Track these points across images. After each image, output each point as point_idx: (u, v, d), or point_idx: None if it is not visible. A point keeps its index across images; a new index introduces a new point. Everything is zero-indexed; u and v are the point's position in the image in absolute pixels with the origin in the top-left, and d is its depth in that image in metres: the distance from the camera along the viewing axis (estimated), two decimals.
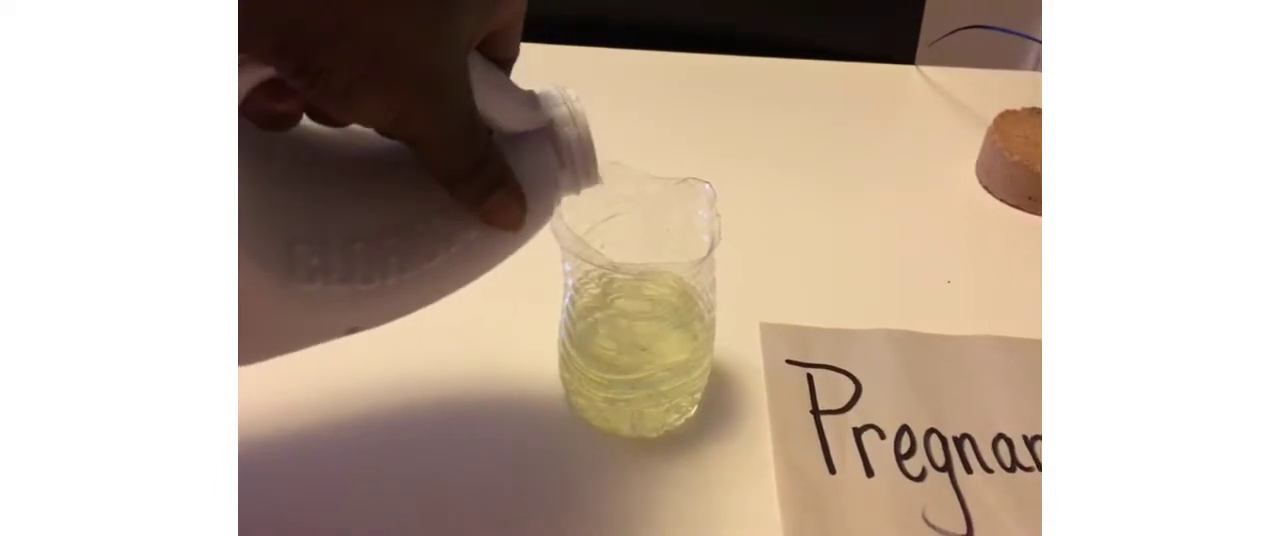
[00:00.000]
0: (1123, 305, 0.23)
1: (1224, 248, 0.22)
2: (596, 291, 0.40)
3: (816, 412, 0.45)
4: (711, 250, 0.39)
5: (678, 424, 0.44)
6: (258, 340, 0.30)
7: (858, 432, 0.44)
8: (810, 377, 0.47)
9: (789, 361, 0.48)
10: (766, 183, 0.64)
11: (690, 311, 0.40)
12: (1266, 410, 0.21)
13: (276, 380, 0.41)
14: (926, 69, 0.82)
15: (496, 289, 0.53)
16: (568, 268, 0.40)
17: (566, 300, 0.41)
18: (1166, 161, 0.23)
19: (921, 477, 0.41)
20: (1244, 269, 0.22)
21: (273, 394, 0.44)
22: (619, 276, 0.39)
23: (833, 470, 0.42)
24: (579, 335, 0.41)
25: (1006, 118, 0.67)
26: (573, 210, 0.39)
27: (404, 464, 0.42)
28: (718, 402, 0.45)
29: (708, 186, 0.40)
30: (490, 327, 0.49)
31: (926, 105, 0.77)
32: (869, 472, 0.42)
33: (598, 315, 0.40)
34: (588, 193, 0.40)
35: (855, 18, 0.84)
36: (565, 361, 0.43)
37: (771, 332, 0.49)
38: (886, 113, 0.78)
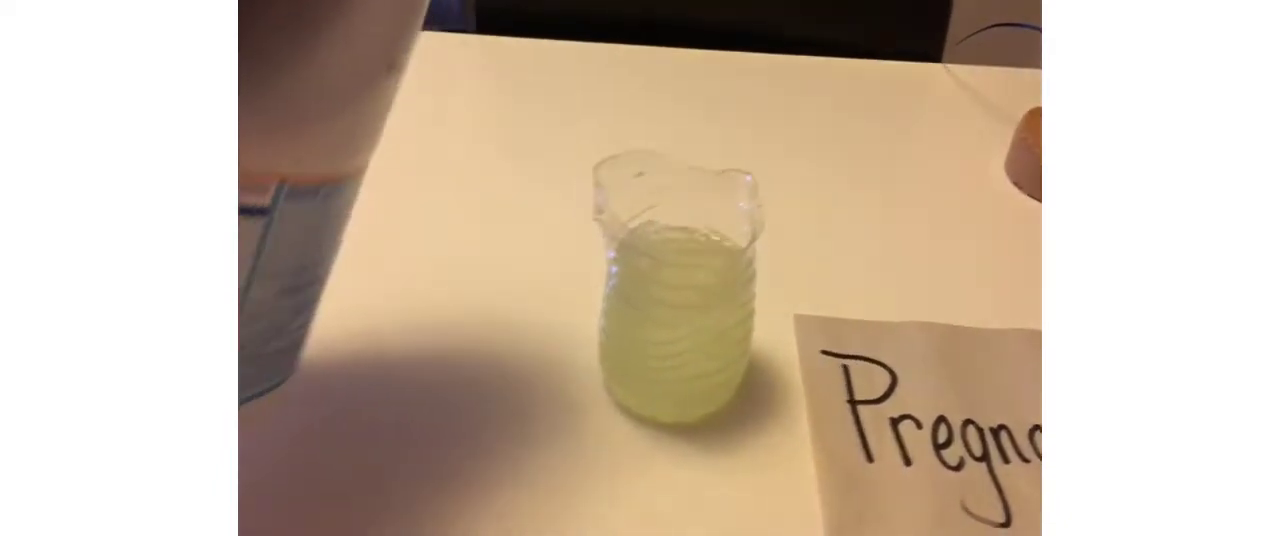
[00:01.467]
0: (1122, 300, 0.23)
1: (1224, 241, 0.22)
2: (640, 277, 0.40)
3: (853, 402, 0.45)
4: (753, 239, 0.39)
5: (714, 410, 0.44)
6: None
7: (894, 422, 0.44)
8: (846, 368, 0.47)
9: (824, 352, 0.48)
10: (797, 177, 0.64)
11: (731, 298, 0.41)
12: (1265, 405, 0.21)
13: (315, 368, 0.42)
14: (954, 67, 0.82)
15: (532, 283, 0.54)
16: (611, 254, 0.40)
17: (609, 288, 0.42)
18: (1167, 157, 0.23)
19: (959, 467, 0.42)
20: (1244, 263, 0.22)
21: (309, 382, 0.44)
22: (663, 261, 0.40)
23: (871, 458, 0.42)
24: (622, 320, 0.42)
25: (1035, 115, 0.67)
26: (614, 200, 0.39)
27: (442, 452, 0.42)
28: (754, 392, 0.46)
29: (748, 177, 0.41)
30: (527, 321, 0.50)
31: (955, 102, 0.78)
32: (907, 461, 0.42)
33: (640, 298, 0.40)
34: (628, 184, 0.41)
35: (883, 16, 0.84)
36: (606, 349, 0.43)
37: (806, 324, 0.50)
38: (915, 110, 0.78)
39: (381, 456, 0.42)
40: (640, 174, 0.41)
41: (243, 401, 0.33)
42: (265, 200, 0.29)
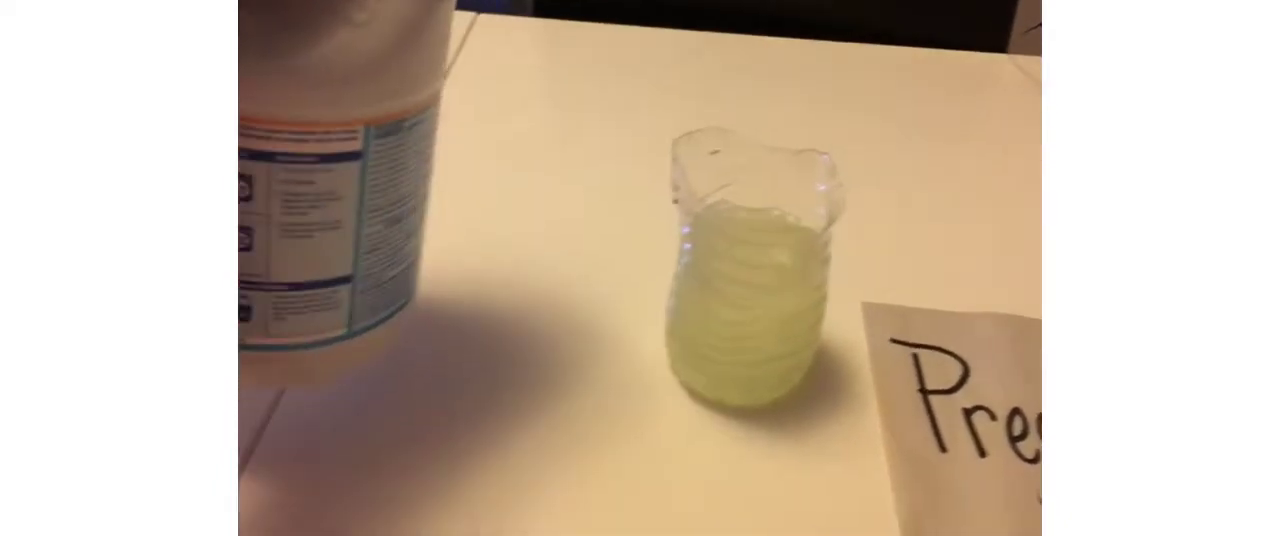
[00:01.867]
0: (1123, 297, 0.23)
1: (1224, 242, 0.22)
2: (714, 255, 0.40)
3: (924, 392, 0.44)
4: (832, 220, 0.38)
5: (782, 395, 0.43)
6: None
7: (968, 413, 0.43)
8: (916, 357, 0.46)
9: (893, 340, 0.47)
10: (864, 164, 0.63)
11: (806, 280, 0.40)
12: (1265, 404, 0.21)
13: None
14: (1019, 57, 0.80)
15: (599, 262, 0.53)
16: (686, 230, 0.40)
17: (681, 266, 0.41)
18: (1168, 154, 0.23)
19: (1036, 460, 0.41)
20: (1245, 263, 0.22)
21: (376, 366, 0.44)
22: (739, 239, 0.39)
23: (944, 449, 0.41)
24: (693, 299, 0.41)
25: None
26: (690, 177, 0.39)
27: (498, 428, 0.42)
28: (821, 379, 0.45)
29: (826, 157, 0.40)
30: (593, 299, 0.50)
31: (1020, 93, 0.76)
32: (981, 453, 0.41)
33: (713, 277, 0.40)
34: (704, 161, 0.40)
35: (950, 6, 0.83)
36: (674, 329, 0.43)
37: (874, 312, 0.49)
38: (982, 100, 0.77)
39: (434, 427, 0.42)
40: (716, 152, 0.41)
41: (375, 324, 0.37)
42: (357, 144, 0.32)
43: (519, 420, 0.42)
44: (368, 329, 0.37)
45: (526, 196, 0.59)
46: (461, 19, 0.79)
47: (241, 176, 0.31)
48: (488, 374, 0.45)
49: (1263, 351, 0.21)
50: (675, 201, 0.39)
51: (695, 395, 0.44)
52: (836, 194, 0.38)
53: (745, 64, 0.77)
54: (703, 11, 0.80)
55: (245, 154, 0.30)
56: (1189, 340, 0.22)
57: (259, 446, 0.40)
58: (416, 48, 0.33)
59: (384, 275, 0.37)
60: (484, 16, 0.81)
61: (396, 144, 0.34)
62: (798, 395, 0.44)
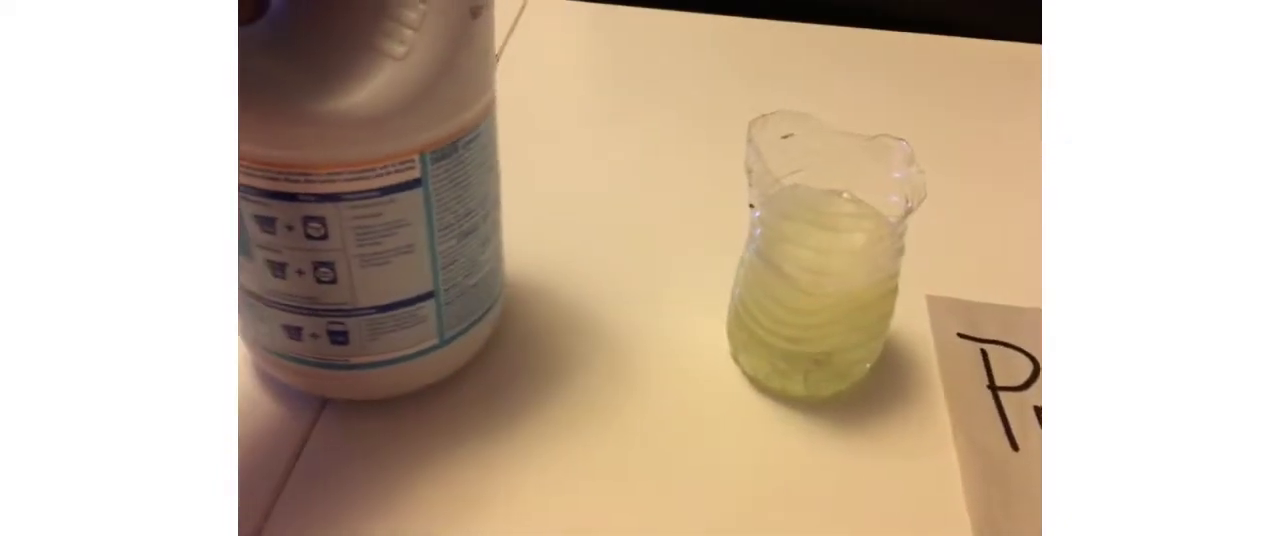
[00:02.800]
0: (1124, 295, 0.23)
1: (1225, 243, 0.22)
2: (784, 239, 0.39)
3: (994, 389, 0.43)
4: (911, 209, 0.37)
5: (847, 387, 0.42)
6: None
7: (1039, 412, 0.42)
8: (984, 353, 0.45)
9: (960, 335, 0.46)
10: (927, 153, 0.62)
11: (879, 269, 0.39)
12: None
13: None
14: None
15: (652, 250, 0.52)
16: (756, 214, 0.39)
17: (749, 251, 0.40)
18: (1169, 155, 0.22)
19: None
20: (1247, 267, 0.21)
21: None
22: (813, 223, 0.38)
23: (1016, 447, 0.40)
24: (760, 285, 0.40)
25: None
26: (762, 160, 0.38)
27: (552, 421, 0.41)
28: (887, 372, 0.44)
29: (903, 143, 0.39)
30: (648, 288, 0.49)
31: None
32: None
33: (783, 261, 0.39)
34: (777, 146, 0.39)
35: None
36: (738, 317, 0.42)
37: (940, 305, 0.47)
38: (1039, 92, 0.75)
39: (487, 421, 0.41)
40: (789, 136, 0.40)
41: (467, 329, 0.39)
42: (416, 173, 0.33)
43: (571, 414, 0.41)
44: (460, 334, 0.39)
45: (580, 182, 0.58)
46: (509, 3, 0.78)
47: (314, 218, 0.32)
48: (541, 366, 0.44)
49: (1264, 352, 0.21)
50: (749, 185, 0.38)
51: (757, 384, 0.43)
52: (915, 180, 0.37)
53: (802, 51, 0.76)
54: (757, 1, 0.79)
55: (314, 198, 0.32)
56: (1188, 340, 0.22)
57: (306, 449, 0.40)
58: (459, 69, 0.33)
59: (466, 283, 0.38)
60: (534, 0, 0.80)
61: (455, 164, 0.34)
62: (863, 388, 0.43)
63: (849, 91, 0.70)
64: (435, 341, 0.38)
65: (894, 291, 0.40)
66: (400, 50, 0.31)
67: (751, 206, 0.39)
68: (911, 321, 0.47)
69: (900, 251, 0.39)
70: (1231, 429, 0.21)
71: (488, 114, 0.36)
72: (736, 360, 0.44)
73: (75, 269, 0.20)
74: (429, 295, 0.36)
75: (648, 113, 0.66)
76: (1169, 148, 0.23)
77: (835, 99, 0.68)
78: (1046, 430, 0.40)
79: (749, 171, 0.38)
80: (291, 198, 0.32)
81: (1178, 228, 0.22)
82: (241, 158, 0.31)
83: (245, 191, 0.32)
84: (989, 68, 0.75)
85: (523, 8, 0.78)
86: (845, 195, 0.40)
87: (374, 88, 0.31)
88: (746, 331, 0.42)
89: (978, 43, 0.77)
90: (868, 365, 0.42)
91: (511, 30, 0.75)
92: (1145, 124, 0.23)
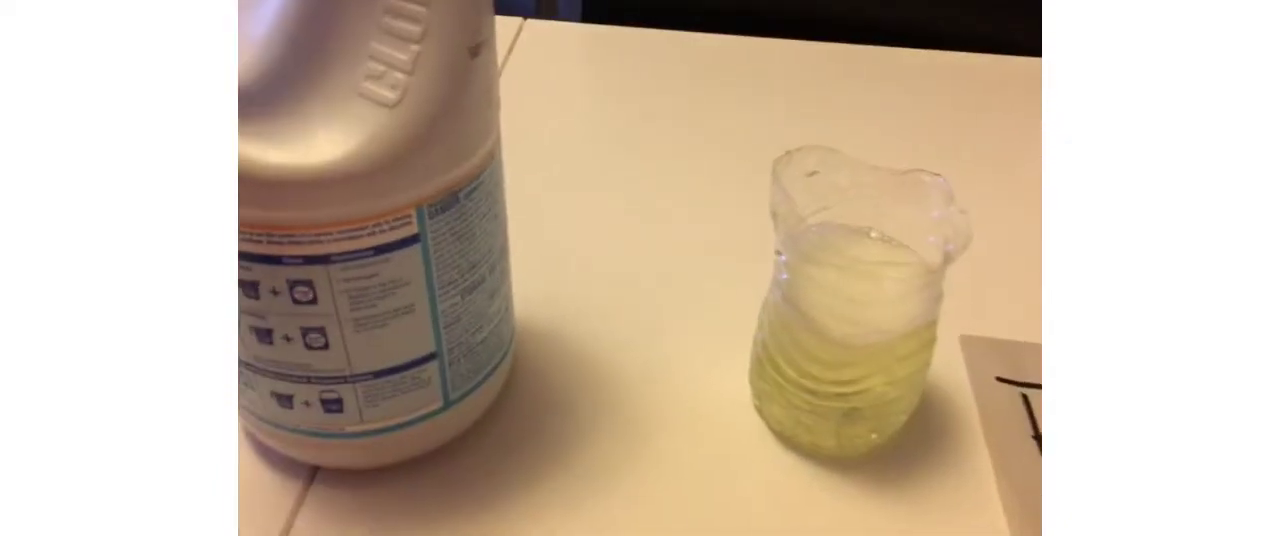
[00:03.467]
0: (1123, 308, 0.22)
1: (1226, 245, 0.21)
2: (813, 284, 0.36)
3: (1039, 438, 0.40)
4: (956, 253, 0.34)
5: (881, 442, 0.39)
6: None
7: None
8: (1026, 398, 0.42)
9: (1000, 379, 0.43)
10: (954, 181, 0.59)
11: (918, 316, 0.36)
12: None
13: None
14: None
15: (664, 292, 0.49)
16: (783, 257, 0.36)
17: (775, 296, 0.37)
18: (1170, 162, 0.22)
19: None
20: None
21: None
22: (846, 268, 0.35)
23: None
24: (786, 333, 0.37)
25: None
26: (788, 199, 0.35)
27: (570, 484, 0.38)
28: (922, 422, 0.41)
29: (941, 180, 0.36)
30: (662, 332, 0.46)
31: None
32: None
33: (812, 308, 0.36)
34: (799, 183, 0.36)
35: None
36: (761, 365, 0.39)
37: (976, 346, 0.44)
38: None
39: (494, 488, 0.38)
40: (814, 173, 0.37)
41: (474, 388, 0.36)
42: (413, 228, 0.30)
43: (584, 478, 0.38)
44: (467, 394, 0.36)
45: (587, 218, 0.55)
46: (507, 26, 0.76)
47: (301, 282, 0.29)
48: (551, 425, 0.41)
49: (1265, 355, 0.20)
50: (775, 228, 0.35)
51: (783, 438, 0.40)
52: (956, 222, 0.34)
53: (817, 72, 0.73)
54: (767, 17, 0.76)
55: (300, 260, 0.29)
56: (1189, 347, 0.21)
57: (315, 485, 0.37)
58: (458, 114, 0.29)
59: (473, 341, 0.35)
60: (531, 22, 0.77)
61: (456, 216, 0.31)
62: (897, 439, 0.40)
63: (870, 115, 0.67)
64: (439, 405, 0.35)
65: (933, 340, 0.37)
66: (391, 96, 0.28)
67: (778, 252, 0.36)
68: (946, 365, 0.44)
69: (939, 297, 0.36)
70: (1235, 443, 0.21)
71: (491, 160, 0.33)
72: (760, 411, 0.41)
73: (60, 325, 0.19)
74: (431, 357, 0.33)
75: (657, 141, 0.63)
76: (1175, 155, 0.22)
77: (857, 124, 0.65)
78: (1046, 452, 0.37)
79: (774, 215, 0.35)
80: (275, 261, 0.29)
81: (1180, 238, 0.22)
82: None
83: None
84: (1009, 84, 0.73)
85: (519, 31, 0.76)
86: (874, 234, 0.37)
87: (362, 139, 0.27)
88: (770, 381, 0.39)
89: (1002, 60, 0.75)
90: (905, 417, 0.39)
91: (508, 55, 0.72)
92: (1145, 133, 0.22)
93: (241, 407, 0.35)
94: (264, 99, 0.27)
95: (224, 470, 0.21)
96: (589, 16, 0.90)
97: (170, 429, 0.20)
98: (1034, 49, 0.67)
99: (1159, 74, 0.22)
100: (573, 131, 0.65)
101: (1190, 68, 0.22)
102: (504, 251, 0.36)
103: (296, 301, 0.30)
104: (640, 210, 0.55)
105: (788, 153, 0.36)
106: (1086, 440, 0.22)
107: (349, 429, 0.34)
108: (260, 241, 0.28)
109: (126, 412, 0.20)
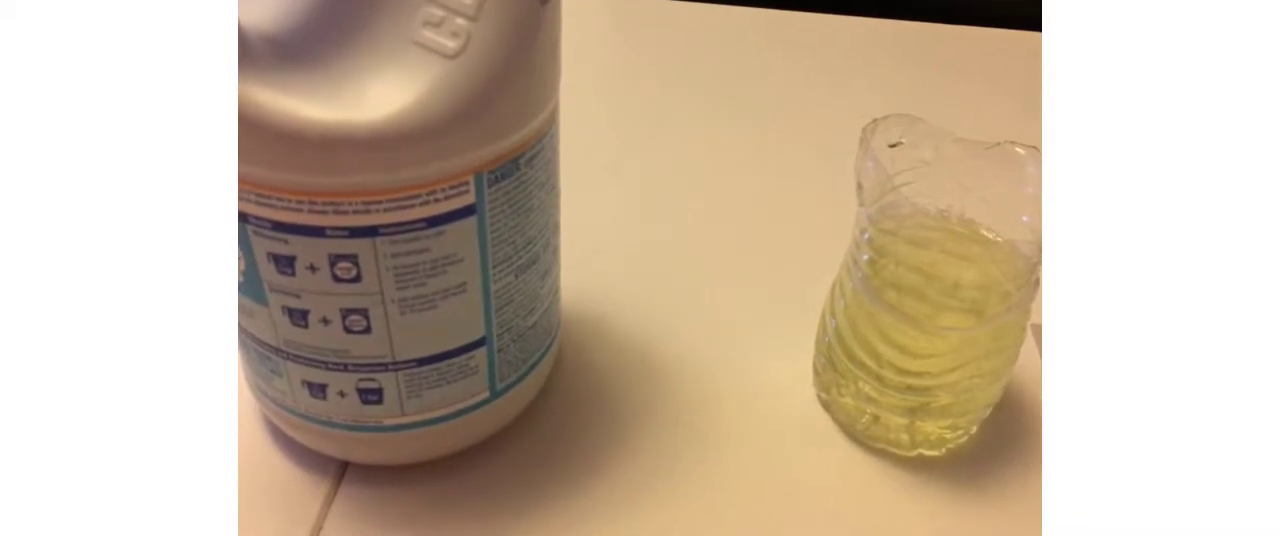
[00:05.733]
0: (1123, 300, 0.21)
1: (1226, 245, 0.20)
2: (896, 266, 0.33)
3: None
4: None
5: (961, 440, 0.36)
6: None
7: None
8: None
9: None
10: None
11: (1011, 304, 0.33)
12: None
13: None
14: None
15: (719, 275, 0.46)
16: (865, 236, 0.33)
17: (853, 278, 0.34)
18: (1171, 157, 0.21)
19: None
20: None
21: None
22: (935, 247, 0.32)
23: None
24: (862, 320, 0.34)
25: None
26: (870, 172, 0.32)
27: (619, 486, 0.35)
28: (999, 415, 0.38)
29: (1035, 151, 0.33)
30: (719, 318, 0.43)
31: None
32: None
33: (893, 293, 0.32)
34: (882, 153, 0.33)
35: None
36: (830, 355, 0.36)
37: None
38: None
39: (540, 485, 0.35)
40: (897, 143, 0.33)
41: (522, 377, 0.33)
42: (470, 198, 0.27)
43: (637, 473, 0.35)
44: (515, 383, 0.33)
45: (634, 196, 0.52)
46: None
47: (344, 257, 0.26)
48: (601, 416, 0.38)
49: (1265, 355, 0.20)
50: (859, 202, 0.32)
51: (852, 434, 0.37)
52: None
53: (870, 48, 0.69)
54: None
55: (345, 232, 0.25)
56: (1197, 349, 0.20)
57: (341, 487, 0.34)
58: (526, 68, 0.26)
59: (523, 325, 0.32)
60: None
61: (515, 185, 0.28)
62: (977, 435, 0.37)
63: (943, 92, 0.64)
64: (486, 395, 0.32)
65: (1025, 331, 0.34)
66: (452, 45, 0.24)
67: (863, 231, 0.33)
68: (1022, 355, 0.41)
69: (1037, 283, 0.33)
70: (1236, 443, 0.20)
71: (551, 124, 0.29)
72: (826, 404, 0.38)
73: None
74: (481, 342, 0.30)
75: (706, 118, 0.59)
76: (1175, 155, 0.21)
77: (942, 102, 0.62)
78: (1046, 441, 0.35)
79: (860, 187, 0.32)
80: (316, 232, 0.25)
81: (1180, 237, 0.21)
82: (253, 183, 0.25)
83: (257, 224, 0.26)
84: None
85: None
86: (969, 217, 0.34)
87: (419, 94, 0.24)
88: (841, 372, 0.36)
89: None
90: (988, 412, 0.36)
91: None
92: (1142, 124, 0.21)
93: (267, 398, 0.32)
94: (308, 49, 0.24)
95: (222, 469, 0.19)
96: None
97: (151, 417, 0.19)
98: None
99: (1163, 71, 0.21)
100: (616, 104, 0.61)
101: (1191, 67, 0.21)
102: (557, 228, 0.33)
103: (337, 279, 0.26)
104: (691, 190, 0.52)
105: (874, 120, 0.32)
106: (1087, 439, 0.21)
107: (387, 422, 0.31)
108: (301, 209, 0.25)
109: (121, 408, 0.18)
